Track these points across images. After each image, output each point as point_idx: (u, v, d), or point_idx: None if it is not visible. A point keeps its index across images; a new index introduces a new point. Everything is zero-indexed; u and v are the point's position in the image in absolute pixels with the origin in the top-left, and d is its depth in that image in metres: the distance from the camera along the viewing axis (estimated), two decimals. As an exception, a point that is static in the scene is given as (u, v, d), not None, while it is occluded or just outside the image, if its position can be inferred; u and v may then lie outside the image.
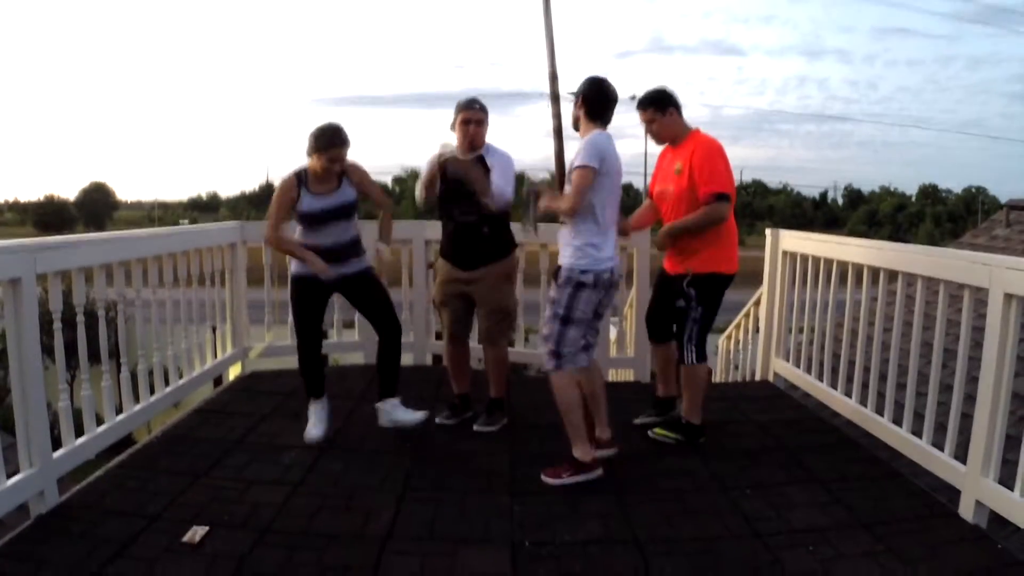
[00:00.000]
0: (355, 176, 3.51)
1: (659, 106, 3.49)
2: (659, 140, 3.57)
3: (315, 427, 3.55)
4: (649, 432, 3.52)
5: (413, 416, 3.57)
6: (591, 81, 3.15)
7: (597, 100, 3.13)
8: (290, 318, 4.61)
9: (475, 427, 3.73)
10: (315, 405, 3.63)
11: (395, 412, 3.57)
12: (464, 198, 3.54)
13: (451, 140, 3.67)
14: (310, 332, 3.62)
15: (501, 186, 3.49)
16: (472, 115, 3.57)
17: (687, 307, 3.49)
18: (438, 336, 4.06)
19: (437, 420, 3.80)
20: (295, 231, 3.57)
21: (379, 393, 3.62)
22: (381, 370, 3.61)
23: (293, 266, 3.58)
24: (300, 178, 3.43)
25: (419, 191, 3.68)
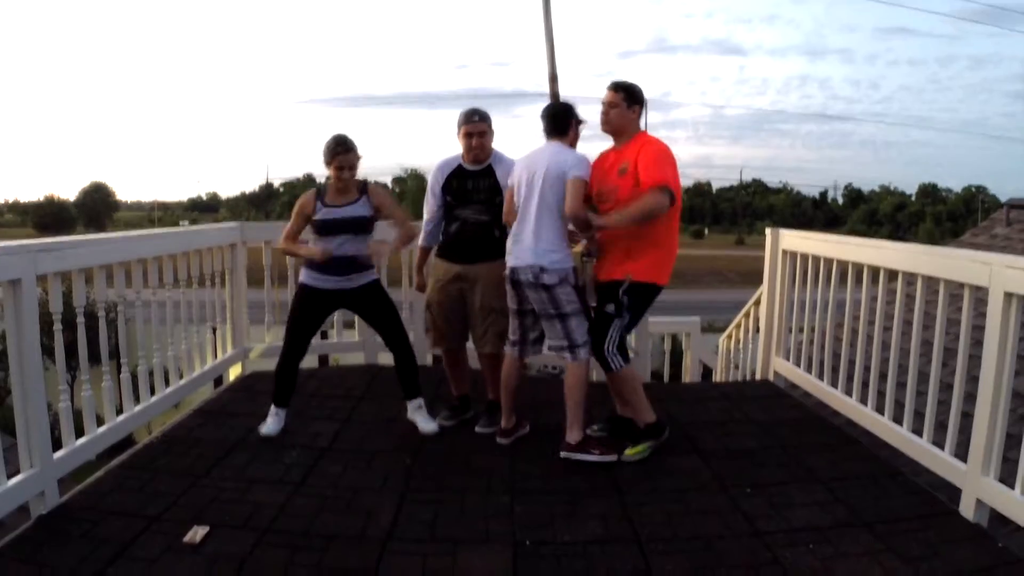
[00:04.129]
0: (376, 198, 3.63)
1: (629, 97, 3.40)
2: (607, 126, 3.46)
3: (269, 426, 3.62)
4: (623, 457, 3.34)
5: (428, 424, 3.71)
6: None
7: None
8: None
9: (476, 429, 3.73)
10: (276, 410, 3.68)
11: (415, 413, 3.75)
12: (479, 202, 3.61)
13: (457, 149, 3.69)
14: (298, 340, 3.69)
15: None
16: (473, 128, 3.57)
17: (616, 313, 3.32)
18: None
19: (437, 421, 3.81)
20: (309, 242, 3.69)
21: (403, 394, 3.80)
22: (401, 377, 3.77)
23: (301, 274, 3.69)
24: (319, 192, 3.61)
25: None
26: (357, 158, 3.54)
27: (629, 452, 3.36)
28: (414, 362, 3.78)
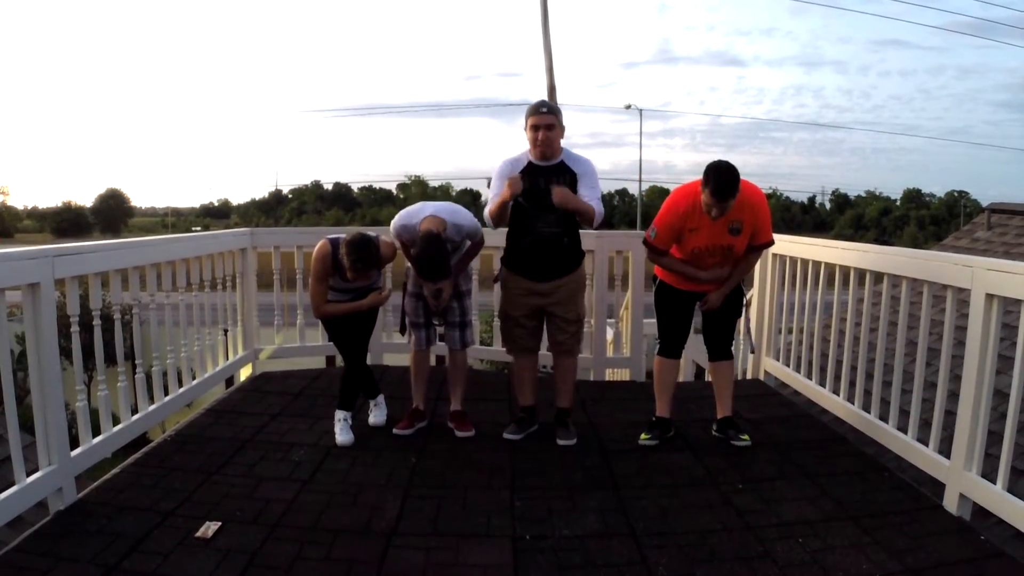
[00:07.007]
0: (384, 262, 3.67)
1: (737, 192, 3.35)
2: (720, 216, 3.36)
3: (342, 434, 3.61)
4: (734, 442, 3.55)
5: (380, 417, 3.89)
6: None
7: None
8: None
9: (559, 442, 3.60)
10: (340, 414, 3.68)
11: (374, 409, 3.93)
12: (549, 211, 3.41)
13: (525, 146, 3.52)
14: (341, 345, 3.77)
15: (597, 207, 3.45)
16: (540, 120, 3.38)
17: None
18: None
19: (505, 435, 3.66)
20: None
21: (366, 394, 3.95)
22: (364, 382, 3.90)
23: None
24: (336, 252, 3.47)
25: (490, 220, 3.54)
26: (376, 271, 3.57)
27: (744, 439, 3.57)
28: (370, 372, 3.94)
